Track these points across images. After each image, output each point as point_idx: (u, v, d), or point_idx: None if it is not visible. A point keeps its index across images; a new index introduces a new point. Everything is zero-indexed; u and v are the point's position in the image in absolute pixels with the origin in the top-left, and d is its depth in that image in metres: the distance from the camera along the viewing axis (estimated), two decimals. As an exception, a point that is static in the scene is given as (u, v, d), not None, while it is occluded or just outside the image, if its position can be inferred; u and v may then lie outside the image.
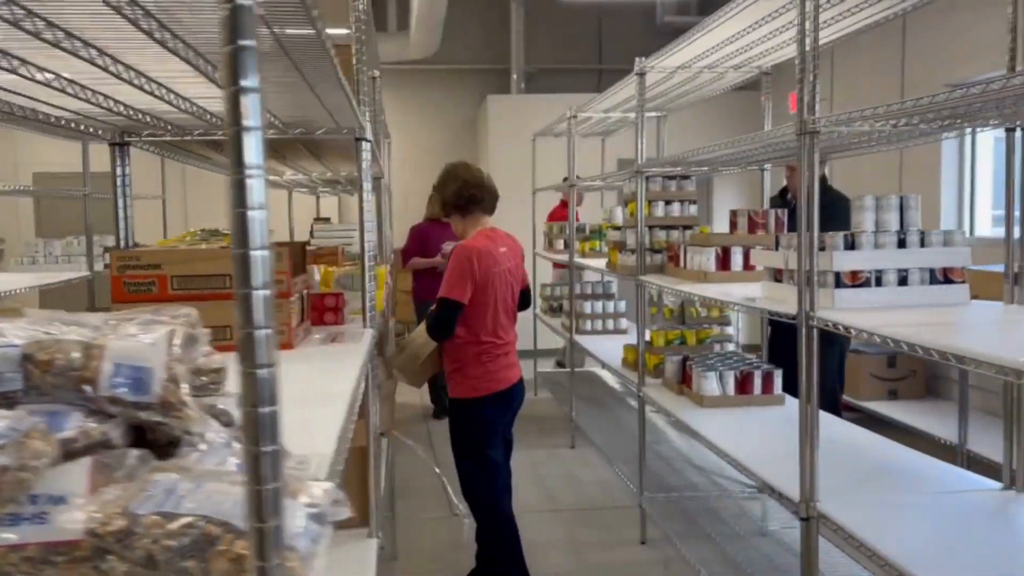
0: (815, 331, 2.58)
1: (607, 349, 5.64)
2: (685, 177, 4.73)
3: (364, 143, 2.47)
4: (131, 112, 2.05)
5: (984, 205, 6.63)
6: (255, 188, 0.69)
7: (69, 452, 0.85)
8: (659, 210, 4.67)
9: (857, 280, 2.76)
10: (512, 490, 3.84)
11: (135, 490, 0.81)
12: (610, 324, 6.50)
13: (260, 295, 0.70)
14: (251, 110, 0.68)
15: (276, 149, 3.34)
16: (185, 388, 0.94)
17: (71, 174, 5.38)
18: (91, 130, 2.31)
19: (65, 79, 1.62)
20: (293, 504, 0.82)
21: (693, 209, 4.72)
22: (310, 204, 7.74)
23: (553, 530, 4.76)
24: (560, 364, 8.87)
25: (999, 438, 2.83)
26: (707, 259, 3.93)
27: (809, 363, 2.59)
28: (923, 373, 6.42)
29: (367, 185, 2.49)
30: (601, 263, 5.75)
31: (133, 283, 2.21)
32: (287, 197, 6.81)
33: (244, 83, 0.68)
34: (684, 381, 4.21)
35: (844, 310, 2.67)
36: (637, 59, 4.41)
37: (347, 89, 1.78)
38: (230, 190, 0.69)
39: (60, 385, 0.88)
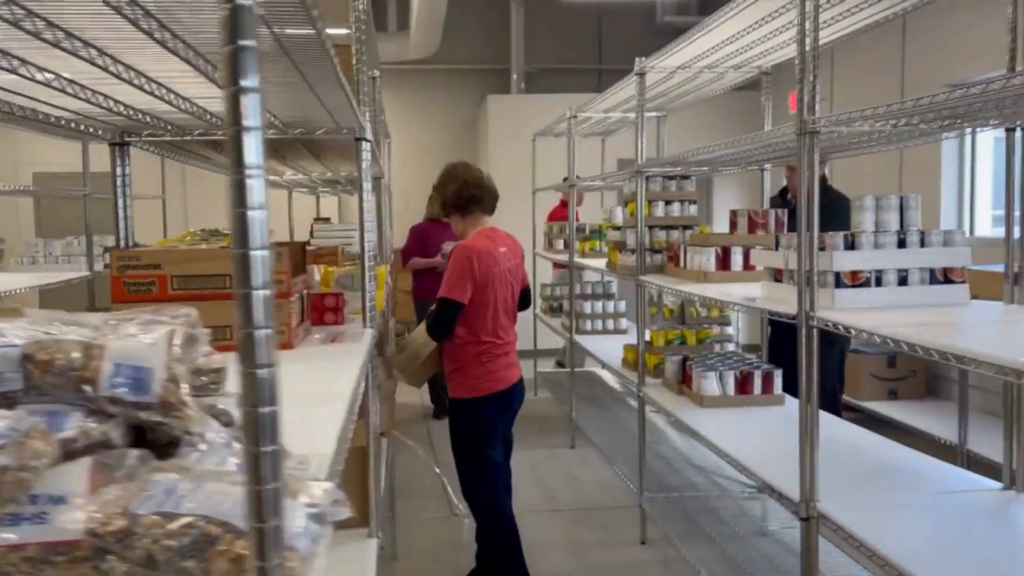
0: (815, 331, 2.58)
1: (607, 349, 5.64)
2: (685, 177, 4.73)
3: (364, 143, 2.47)
4: (131, 112, 2.05)
5: (984, 205, 6.63)
6: (255, 188, 0.69)
7: (69, 452, 0.85)
8: (659, 210, 4.67)
9: (857, 280, 2.76)
10: (512, 490, 3.84)
11: (135, 490, 0.81)
12: (610, 324, 6.50)
13: (260, 295, 0.70)
14: (251, 110, 0.68)
15: (276, 149, 3.34)
16: (185, 388, 0.94)
17: (71, 174, 5.39)
18: (91, 130, 2.31)
19: (65, 79, 1.62)
20: (293, 504, 0.82)
21: (693, 209, 4.72)
22: (310, 204, 7.74)
23: (553, 530, 4.76)
24: (560, 364, 8.87)
25: (999, 438, 2.84)
26: (707, 259, 3.94)
27: (809, 363, 2.59)
28: (923, 373, 6.42)
29: (367, 185, 2.49)
30: (601, 263, 5.75)
31: (133, 283, 2.21)
32: (287, 197, 6.81)
33: (244, 83, 0.68)
34: (684, 381, 4.22)
35: (844, 310, 2.67)
36: (637, 59, 4.41)
37: (347, 89, 1.78)
38: (230, 190, 0.69)
39: (60, 385, 0.88)
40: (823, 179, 5.49)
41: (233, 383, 0.86)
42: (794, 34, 2.84)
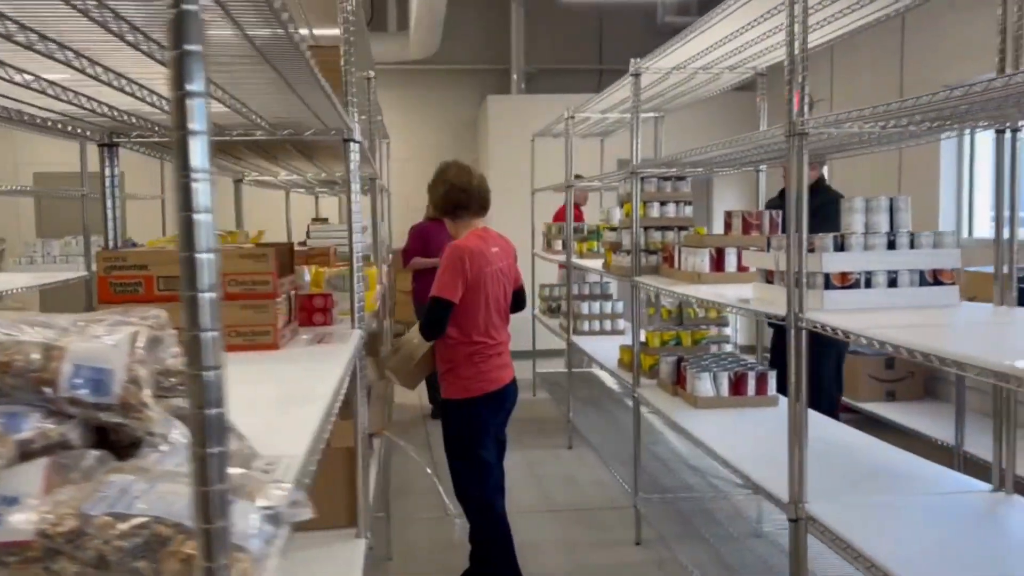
0: (804, 332, 2.58)
1: (604, 350, 5.64)
2: (680, 178, 4.73)
3: (352, 144, 2.47)
4: (115, 113, 2.05)
5: (983, 206, 6.61)
6: (200, 192, 0.70)
7: (27, 453, 0.86)
8: (654, 211, 4.67)
9: (847, 281, 2.76)
10: (505, 490, 3.84)
11: (89, 491, 0.82)
12: (608, 325, 6.50)
13: (206, 297, 0.71)
14: (196, 114, 0.69)
15: (266, 150, 3.35)
16: (147, 389, 0.94)
17: (71, 174, 5.40)
18: (79, 131, 2.32)
19: (45, 81, 1.63)
20: (246, 505, 0.82)
21: (688, 210, 4.73)
22: (309, 205, 7.75)
23: (548, 530, 4.76)
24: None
25: (996, 440, 2.83)
26: (701, 260, 3.94)
27: (798, 364, 2.59)
28: (921, 375, 6.41)
29: (355, 186, 2.49)
30: (598, 264, 5.76)
31: (119, 283, 2.21)
32: (284, 198, 6.82)
33: (190, 87, 0.69)
34: (679, 382, 4.22)
35: (833, 311, 2.67)
36: (632, 60, 4.41)
37: (327, 90, 1.78)
38: (176, 193, 0.70)
39: (19, 386, 0.89)
40: (821, 179, 5.49)
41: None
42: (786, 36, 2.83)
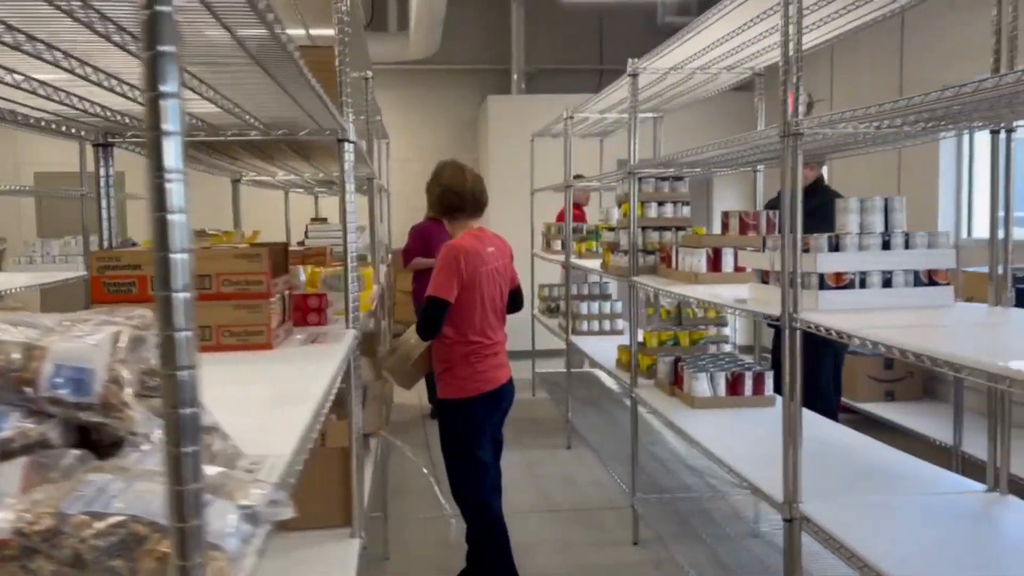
0: (798, 333, 2.58)
1: (603, 350, 5.65)
2: (678, 178, 4.73)
3: (347, 144, 2.48)
4: (108, 114, 2.06)
5: (982, 206, 6.61)
6: (175, 192, 0.70)
7: (6, 452, 0.86)
8: (652, 211, 4.67)
9: (841, 282, 2.75)
10: (502, 491, 3.85)
11: (67, 490, 0.82)
12: (607, 325, 6.51)
13: (180, 297, 0.71)
14: (170, 115, 0.69)
15: (262, 150, 3.35)
16: (128, 389, 0.95)
17: (72, 174, 5.41)
18: (73, 131, 2.32)
19: (36, 81, 1.63)
20: (224, 504, 0.83)
21: (686, 210, 4.73)
22: (310, 205, 7.76)
23: (546, 530, 4.76)
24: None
25: (994, 440, 2.83)
26: (698, 260, 3.94)
27: (793, 364, 2.59)
28: (920, 375, 6.41)
29: (350, 186, 2.50)
30: (597, 264, 5.76)
31: (113, 283, 2.22)
32: (283, 198, 6.83)
33: (164, 88, 0.69)
34: (676, 382, 4.22)
35: (828, 312, 2.67)
36: (630, 60, 4.41)
37: (318, 90, 1.78)
38: (150, 194, 0.70)
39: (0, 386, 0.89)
40: (820, 179, 5.49)
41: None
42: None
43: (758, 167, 4.62)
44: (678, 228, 4.65)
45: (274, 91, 1.85)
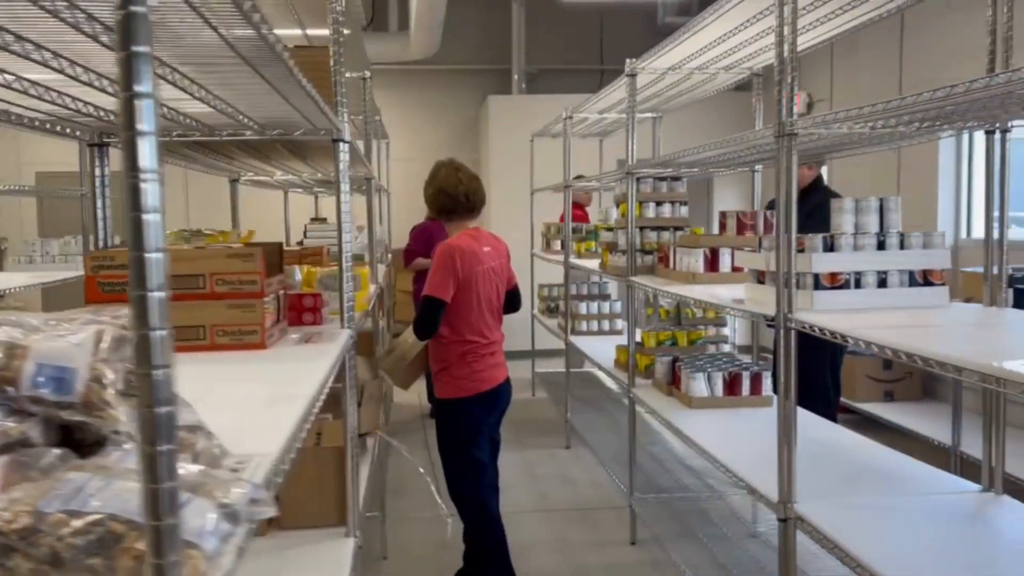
0: (793, 332, 2.58)
1: (602, 350, 5.65)
2: (676, 178, 4.73)
3: (342, 144, 2.48)
4: (102, 114, 2.06)
5: (981, 206, 6.60)
6: (150, 192, 0.70)
7: (-13, 451, 0.86)
8: (650, 211, 4.68)
9: (836, 282, 2.75)
10: (500, 490, 3.85)
11: (45, 488, 0.82)
12: (606, 325, 6.51)
13: (155, 297, 0.71)
14: (145, 115, 0.70)
15: (258, 150, 3.36)
16: (110, 388, 0.95)
17: (73, 174, 5.41)
18: (68, 131, 2.33)
19: (27, 81, 1.64)
20: (203, 503, 0.83)
21: (684, 210, 4.73)
22: (310, 204, 7.77)
23: (544, 530, 4.77)
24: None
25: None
26: (696, 260, 3.94)
27: (787, 364, 2.59)
28: (920, 375, 6.40)
29: (344, 186, 2.50)
30: (595, 264, 5.76)
31: (107, 283, 2.22)
32: (283, 198, 6.84)
33: (138, 88, 0.69)
34: (674, 382, 4.22)
35: (823, 312, 2.67)
36: (628, 60, 4.42)
37: (309, 90, 1.79)
38: (125, 194, 0.70)
39: (-19, 385, 0.90)
40: (819, 179, 5.49)
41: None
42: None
43: (756, 167, 4.62)
44: (676, 228, 4.65)
45: (266, 91, 1.85)
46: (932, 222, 6.52)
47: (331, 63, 2.47)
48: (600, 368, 5.50)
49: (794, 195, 2.58)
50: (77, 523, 0.78)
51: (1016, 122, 2.66)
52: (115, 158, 2.67)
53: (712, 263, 3.93)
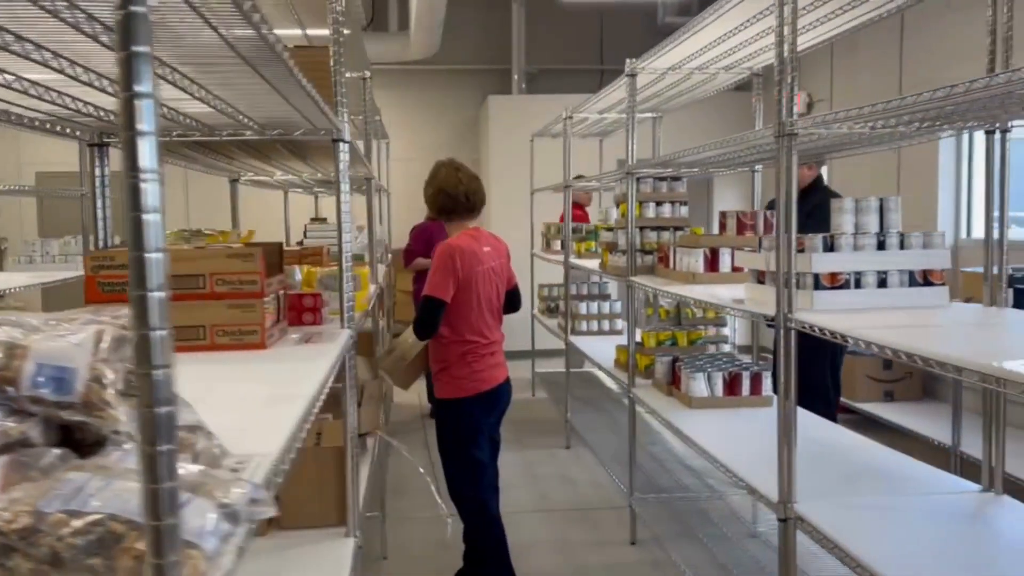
0: (793, 333, 2.58)
1: (602, 350, 5.65)
2: (676, 178, 4.73)
3: (341, 144, 2.48)
4: (102, 114, 2.06)
5: (981, 206, 6.60)
6: (150, 192, 0.70)
7: (-13, 451, 0.86)
8: (650, 211, 4.68)
9: (836, 282, 2.75)
10: (499, 490, 3.85)
11: (46, 488, 0.82)
12: (606, 325, 6.51)
13: (155, 297, 0.71)
14: (144, 115, 0.70)
15: (258, 150, 3.36)
16: (110, 388, 0.95)
17: (73, 174, 5.41)
18: (68, 131, 2.33)
19: (27, 81, 1.64)
20: (203, 503, 0.83)
21: (684, 210, 4.73)
22: (310, 204, 7.77)
23: (544, 530, 4.77)
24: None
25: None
26: (695, 260, 3.94)
27: (787, 364, 2.59)
28: (920, 375, 6.40)
29: (344, 186, 2.50)
30: (596, 264, 5.76)
31: (107, 283, 2.22)
32: (283, 198, 6.84)
33: (138, 88, 0.69)
34: (674, 382, 4.22)
35: (823, 312, 2.67)
36: (628, 60, 4.42)
37: (309, 90, 1.79)
38: (125, 194, 0.70)
39: (-19, 385, 0.90)
40: (819, 179, 5.49)
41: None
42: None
43: (756, 167, 4.62)
44: (676, 228, 4.65)
45: (266, 91, 1.85)
46: (932, 222, 6.52)
47: (331, 63, 2.47)
48: (600, 368, 5.50)
49: (794, 195, 2.58)
50: (77, 523, 0.78)
51: (1016, 122, 2.66)
52: (115, 158, 2.67)
53: (712, 263, 3.93)
